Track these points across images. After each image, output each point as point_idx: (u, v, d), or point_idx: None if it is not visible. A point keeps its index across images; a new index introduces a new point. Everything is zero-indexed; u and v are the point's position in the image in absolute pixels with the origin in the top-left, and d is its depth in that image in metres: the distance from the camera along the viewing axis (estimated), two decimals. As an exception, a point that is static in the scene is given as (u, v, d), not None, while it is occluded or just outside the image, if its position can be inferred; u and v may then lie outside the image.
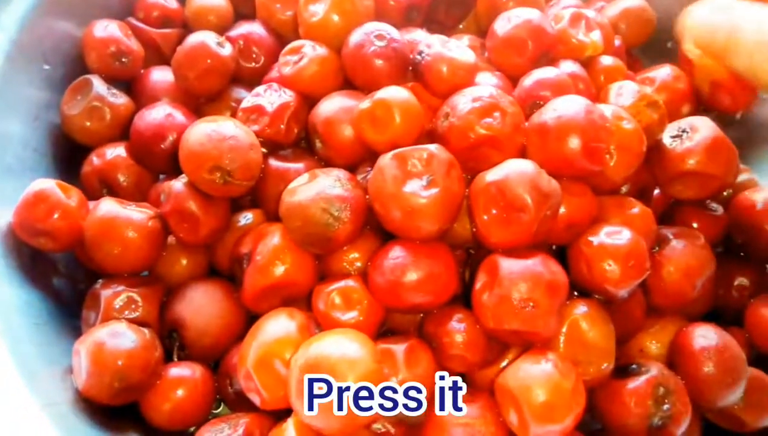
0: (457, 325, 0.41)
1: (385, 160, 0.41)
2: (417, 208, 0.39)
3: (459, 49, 0.48)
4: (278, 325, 0.40)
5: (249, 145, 0.44)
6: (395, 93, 0.44)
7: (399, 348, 0.40)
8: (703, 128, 0.47)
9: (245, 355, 0.39)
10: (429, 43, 0.48)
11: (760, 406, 0.45)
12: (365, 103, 0.44)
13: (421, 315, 0.43)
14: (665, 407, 0.40)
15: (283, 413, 0.39)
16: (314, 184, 0.42)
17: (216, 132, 0.43)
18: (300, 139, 0.51)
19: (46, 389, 0.38)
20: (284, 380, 0.37)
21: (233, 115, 0.51)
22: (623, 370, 0.42)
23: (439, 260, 0.41)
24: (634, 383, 0.41)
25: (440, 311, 0.42)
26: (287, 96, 0.49)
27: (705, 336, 0.44)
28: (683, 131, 0.47)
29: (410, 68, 0.49)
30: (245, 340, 0.40)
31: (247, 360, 0.39)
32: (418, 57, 0.48)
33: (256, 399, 0.39)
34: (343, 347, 0.37)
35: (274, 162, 0.48)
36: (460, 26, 0.60)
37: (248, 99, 0.49)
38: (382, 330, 0.44)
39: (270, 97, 0.49)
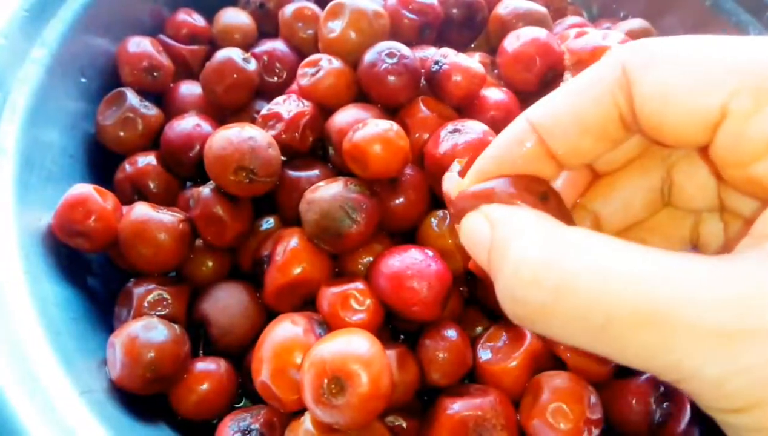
0: (441, 342, 0.43)
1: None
2: None
3: (470, 60, 0.50)
4: (284, 333, 0.41)
5: (267, 144, 0.46)
6: (371, 131, 0.44)
7: (390, 353, 0.41)
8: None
9: (259, 368, 0.40)
10: (445, 54, 0.50)
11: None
12: (346, 142, 0.45)
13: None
14: (665, 404, 0.42)
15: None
16: (334, 185, 0.45)
17: (235, 135, 0.45)
18: (315, 148, 0.53)
19: (84, 378, 0.40)
20: (300, 384, 0.38)
21: (254, 125, 0.54)
22: (625, 370, 0.44)
23: (433, 273, 0.42)
24: (636, 382, 0.43)
25: (435, 324, 0.44)
26: (303, 105, 0.51)
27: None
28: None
29: (423, 81, 0.51)
30: (255, 351, 0.41)
31: (261, 372, 0.40)
32: (435, 66, 0.50)
33: (276, 405, 0.41)
34: (354, 348, 0.37)
35: (288, 172, 0.50)
36: (472, 45, 0.63)
37: (267, 107, 0.52)
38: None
39: (288, 105, 0.51)
